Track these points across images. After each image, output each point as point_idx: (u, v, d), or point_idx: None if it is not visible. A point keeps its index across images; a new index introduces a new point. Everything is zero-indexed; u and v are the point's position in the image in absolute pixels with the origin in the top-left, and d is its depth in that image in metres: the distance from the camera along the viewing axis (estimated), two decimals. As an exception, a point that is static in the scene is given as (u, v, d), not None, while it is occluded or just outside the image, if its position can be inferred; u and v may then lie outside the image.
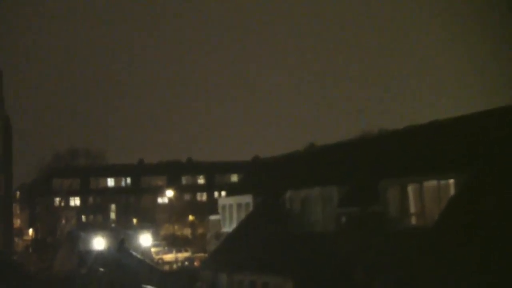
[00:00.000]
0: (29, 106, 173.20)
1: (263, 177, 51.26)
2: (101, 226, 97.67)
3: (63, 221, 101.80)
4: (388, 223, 28.20)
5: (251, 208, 47.09)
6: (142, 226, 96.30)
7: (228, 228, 52.33)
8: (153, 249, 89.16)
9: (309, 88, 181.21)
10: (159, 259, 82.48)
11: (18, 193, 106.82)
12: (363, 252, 27.20)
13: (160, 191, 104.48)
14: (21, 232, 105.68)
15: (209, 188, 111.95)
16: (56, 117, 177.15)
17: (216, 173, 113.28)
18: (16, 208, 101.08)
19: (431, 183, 26.93)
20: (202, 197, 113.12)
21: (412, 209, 27.88)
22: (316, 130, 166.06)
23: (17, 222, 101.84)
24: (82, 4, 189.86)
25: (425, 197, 27.09)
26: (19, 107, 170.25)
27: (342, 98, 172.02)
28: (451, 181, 25.91)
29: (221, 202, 57.09)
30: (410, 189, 27.95)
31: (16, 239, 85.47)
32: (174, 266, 79.56)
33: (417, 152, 30.05)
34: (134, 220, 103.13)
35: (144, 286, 43.74)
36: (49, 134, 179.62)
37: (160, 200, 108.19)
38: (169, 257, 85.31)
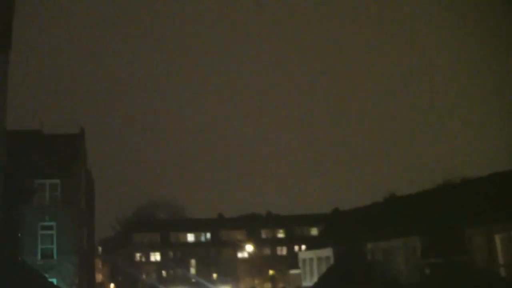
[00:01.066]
0: (110, 160, 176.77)
1: (343, 230, 50.44)
2: (182, 280, 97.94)
3: (144, 276, 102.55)
4: (475, 274, 26.94)
5: (331, 262, 46.30)
6: (222, 280, 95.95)
7: (309, 282, 51.53)
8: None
9: (387, 137, 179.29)
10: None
11: (100, 247, 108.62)
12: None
13: (240, 245, 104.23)
14: (103, 286, 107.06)
15: (289, 241, 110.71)
16: (137, 172, 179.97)
17: (295, 226, 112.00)
18: (98, 263, 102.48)
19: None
20: (282, 251, 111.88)
21: (501, 259, 26.55)
22: (396, 180, 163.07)
23: (99, 277, 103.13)
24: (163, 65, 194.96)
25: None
26: (101, 162, 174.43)
27: (421, 147, 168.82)
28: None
29: (301, 256, 56.48)
30: (498, 238, 26.67)
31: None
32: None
33: (503, 200, 28.80)
34: (214, 275, 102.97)
35: None
36: (130, 189, 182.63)
37: (240, 254, 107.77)
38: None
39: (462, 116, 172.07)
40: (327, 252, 47.85)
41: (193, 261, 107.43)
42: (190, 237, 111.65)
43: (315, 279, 48.51)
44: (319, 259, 49.94)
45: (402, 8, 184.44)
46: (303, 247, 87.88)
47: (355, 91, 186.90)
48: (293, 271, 64.57)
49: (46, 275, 39.28)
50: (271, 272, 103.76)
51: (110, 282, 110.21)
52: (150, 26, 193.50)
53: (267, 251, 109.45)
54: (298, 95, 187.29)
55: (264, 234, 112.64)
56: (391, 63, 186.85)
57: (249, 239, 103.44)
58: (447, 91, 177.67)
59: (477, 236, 27.45)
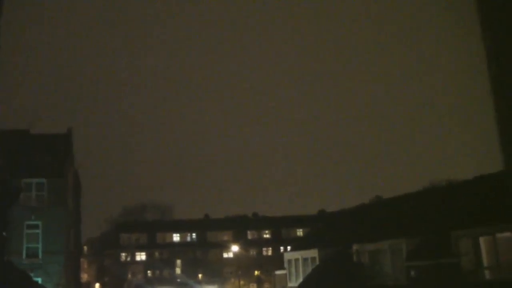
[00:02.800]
0: (98, 161, 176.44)
1: (329, 231, 50.59)
2: (167, 280, 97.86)
3: (130, 275, 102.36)
4: (461, 276, 27.09)
5: (317, 262, 46.38)
6: (208, 280, 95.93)
7: (294, 283, 51.54)
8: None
9: (374, 140, 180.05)
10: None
11: (85, 247, 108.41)
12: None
13: (226, 246, 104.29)
14: (89, 286, 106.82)
15: (275, 242, 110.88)
16: (125, 173, 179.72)
17: (282, 227, 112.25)
18: (84, 263, 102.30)
19: (505, 235, 25.80)
20: (268, 251, 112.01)
21: (486, 261, 26.70)
22: (383, 182, 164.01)
23: (84, 277, 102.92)
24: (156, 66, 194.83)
25: (499, 249, 25.93)
26: (89, 162, 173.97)
27: (408, 150, 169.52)
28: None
29: (287, 257, 56.44)
30: (482, 241, 26.82)
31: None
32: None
33: (488, 203, 29.02)
34: (200, 275, 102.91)
35: None
36: (118, 189, 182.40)
37: (226, 254, 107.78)
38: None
39: (448, 120, 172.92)
40: (313, 253, 47.88)
41: (179, 262, 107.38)
42: (176, 238, 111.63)
43: (300, 279, 48.56)
44: (305, 260, 49.93)
45: (402, 8, 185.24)
46: (289, 248, 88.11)
47: (343, 96, 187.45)
48: (278, 272, 64.40)
49: (31, 275, 39.17)
50: (257, 272, 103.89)
51: (96, 282, 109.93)
52: (146, 25, 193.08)
53: (253, 252, 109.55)
54: (287, 98, 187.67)
55: (250, 235, 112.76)
56: (384, 67, 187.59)
57: (235, 240, 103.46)
58: (433, 96, 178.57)
59: (463, 239, 27.59)
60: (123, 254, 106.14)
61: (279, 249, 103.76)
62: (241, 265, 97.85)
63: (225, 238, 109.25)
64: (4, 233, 31.15)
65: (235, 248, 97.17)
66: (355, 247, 38.33)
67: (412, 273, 30.79)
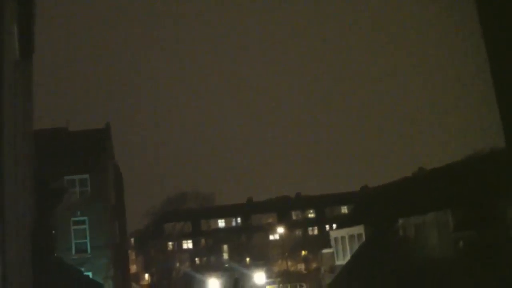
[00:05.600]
0: (137, 153, 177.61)
1: (374, 206, 50.25)
2: (215, 267, 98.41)
3: (177, 264, 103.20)
4: (511, 246, 26.61)
5: (363, 239, 46.18)
6: (255, 264, 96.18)
7: (342, 260, 51.45)
8: (268, 287, 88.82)
9: (415, 111, 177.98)
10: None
11: (132, 239, 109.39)
12: (485, 280, 25.74)
13: (271, 228, 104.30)
14: (138, 277, 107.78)
15: (319, 221, 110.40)
16: (164, 163, 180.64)
17: (326, 206, 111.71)
18: (132, 254, 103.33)
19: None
20: (314, 231, 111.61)
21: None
22: (425, 153, 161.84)
23: (133, 268, 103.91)
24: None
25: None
26: (128, 155, 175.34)
27: (450, 119, 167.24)
28: None
29: (333, 235, 56.32)
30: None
31: (133, 284, 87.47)
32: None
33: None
34: (247, 259, 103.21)
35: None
36: (158, 180, 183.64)
37: (271, 237, 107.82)
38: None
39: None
40: (359, 229, 47.69)
41: (225, 247, 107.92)
42: (221, 224, 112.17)
43: (348, 257, 48.45)
44: (351, 237, 49.77)
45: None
46: (334, 226, 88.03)
47: (375, 75, 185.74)
48: (325, 251, 64.39)
49: (82, 269, 39.81)
50: (303, 253, 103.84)
51: (144, 273, 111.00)
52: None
53: (298, 232, 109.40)
54: (322, 79, 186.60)
55: (294, 216, 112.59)
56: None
57: (279, 222, 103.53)
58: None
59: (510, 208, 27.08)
60: (169, 244, 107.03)
61: (324, 228, 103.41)
62: (287, 247, 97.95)
63: (270, 220, 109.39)
64: (53, 231, 31.63)
65: (280, 229, 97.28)
66: (400, 221, 38.02)
67: (460, 243, 30.42)
